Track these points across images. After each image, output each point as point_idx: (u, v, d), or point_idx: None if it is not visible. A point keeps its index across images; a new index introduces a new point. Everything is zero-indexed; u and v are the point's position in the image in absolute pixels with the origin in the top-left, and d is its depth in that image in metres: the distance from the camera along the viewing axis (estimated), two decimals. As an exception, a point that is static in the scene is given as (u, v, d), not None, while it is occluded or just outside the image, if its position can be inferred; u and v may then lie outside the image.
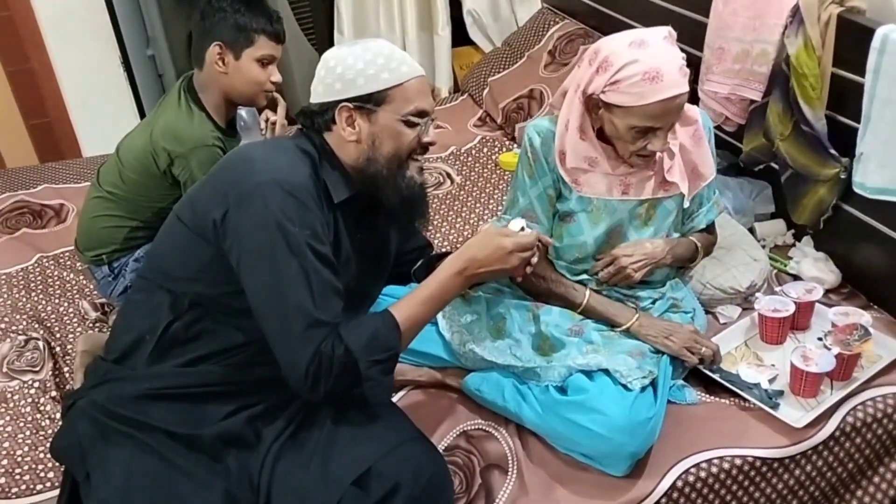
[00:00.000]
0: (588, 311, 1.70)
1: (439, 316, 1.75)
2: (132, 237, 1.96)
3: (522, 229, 1.45)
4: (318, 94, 1.38)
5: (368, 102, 1.34)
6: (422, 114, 1.37)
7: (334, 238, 1.38)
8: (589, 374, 1.56)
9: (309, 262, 1.25)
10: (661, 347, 1.63)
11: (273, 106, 2.13)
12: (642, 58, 1.47)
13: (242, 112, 2.75)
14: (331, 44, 3.57)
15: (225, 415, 1.37)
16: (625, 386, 1.51)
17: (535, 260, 1.46)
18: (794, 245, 2.15)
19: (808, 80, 1.86)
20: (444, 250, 1.95)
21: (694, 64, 2.37)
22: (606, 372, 1.54)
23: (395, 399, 1.74)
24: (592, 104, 1.57)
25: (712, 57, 2.22)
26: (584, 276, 1.73)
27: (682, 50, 1.56)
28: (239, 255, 1.26)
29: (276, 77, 1.89)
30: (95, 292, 2.17)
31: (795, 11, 1.90)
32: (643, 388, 1.52)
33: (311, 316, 1.24)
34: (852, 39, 1.80)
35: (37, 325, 2.05)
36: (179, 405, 1.36)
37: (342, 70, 1.34)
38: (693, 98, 2.34)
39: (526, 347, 1.69)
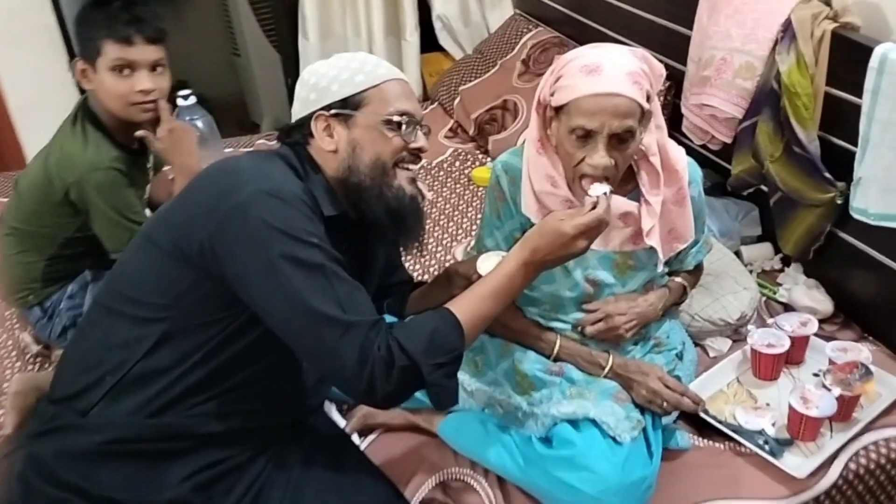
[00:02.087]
0: (558, 359, 1.58)
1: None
2: (51, 272, 1.79)
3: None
4: (296, 110, 1.31)
5: (345, 108, 1.26)
6: (404, 114, 1.26)
7: None
8: (575, 422, 1.44)
9: (326, 266, 1.14)
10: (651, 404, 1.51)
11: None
12: (588, 54, 1.34)
13: (198, 121, 2.59)
14: (294, 48, 3.42)
15: (182, 478, 1.22)
16: (614, 438, 1.39)
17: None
18: (782, 270, 2.06)
19: (801, 99, 1.77)
20: (420, 279, 1.82)
21: (676, 79, 2.29)
22: (593, 421, 1.42)
23: (363, 444, 1.61)
24: (547, 115, 1.44)
25: (694, 70, 2.12)
26: (558, 324, 1.60)
27: (662, 63, 1.44)
28: (240, 274, 1.14)
29: (144, 84, 1.65)
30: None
31: (787, 26, 1.81)
32: (634, 439, 1.40)
33: (341, 321, 1.12)
34: (847, 57, 1.72)
35: (-31, 361, 1.87)
36: (132, 465, 1.22)
37: (316, 80, 1.28)
38: (677, 117, 2.26)
39: (505, 387, 1.57)
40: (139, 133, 1.71)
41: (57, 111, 1.76)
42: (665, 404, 1.48)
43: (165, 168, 1.89)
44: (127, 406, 1.21)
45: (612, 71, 1.31)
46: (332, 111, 1.26)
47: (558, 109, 1.38)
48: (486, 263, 1.37)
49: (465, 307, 1.21)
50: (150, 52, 1.66)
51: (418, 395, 1.58)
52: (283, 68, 3.72)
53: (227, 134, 3.99)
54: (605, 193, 1.28)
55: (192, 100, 2.54)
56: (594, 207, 1.24)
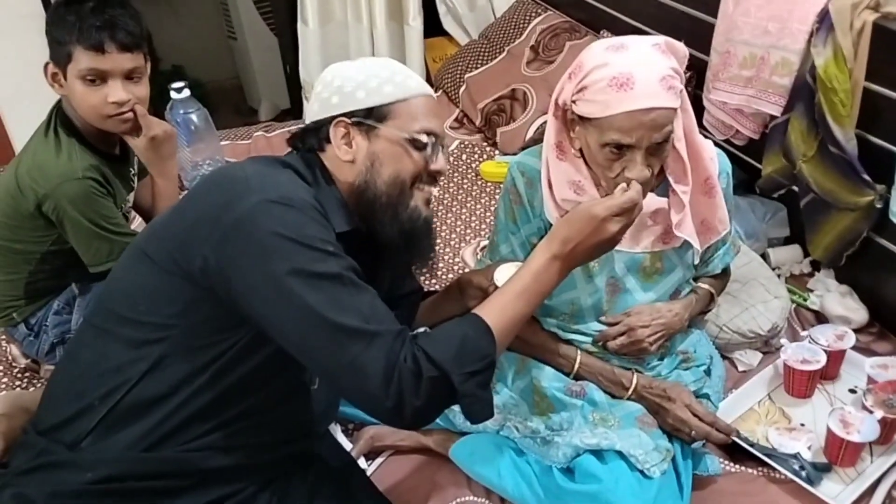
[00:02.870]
0: (579, 377, 1.49)
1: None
2: (34, 288, 1.68)
3: None
4: (314, 111, 1.22)
5: (369, 118, 1.17)
6: (430, 134, 1.18)
7: None
8: (598, 453, 1.33)
9: (343, 277, 1.04)
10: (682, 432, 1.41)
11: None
12: (613, 62, 1.22)
13: (192, 115, 2.47)
14: (293, 33, 3.29)
15: None
16: (642, 472, 1.29)
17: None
18: (812, 275, 1.95)
19: (838, 94, 1.64)
20: (428, 287, 1.71)
21: (698, 69, 2.16)
22: (619, 452, 1.32)
23: (371, 468, 1.51)
24: (568, 118, 1.33)
25: (719, 62, 1.99)
26: (578, 336, 1.50)
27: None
28: (250, 293, 1.04)
29: (118, 95, 1.51)
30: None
31: (823, 16, 1.68)
32: (663, 472, 1.30)
33: (365, 332, 1.01)
34: (889, 50, 1.60)
35: (-48, 375, 1.77)
36: None
37: (341, 83, 1.19)
38: (698, 111, 2.14)
39: (522, 407, 1.47)
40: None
41: (45, 102, 1.63)
42: (693, 433, 1.38)
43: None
44: (121, 438, 1.11)
45: (645, 83, 1.20)
46: (355, 119, 1.17)
47: (584, 118, 1.28)
48: (503, 274, 1.29)
49: (495, 310, 1.11)
50: (124, 61, 1.51)
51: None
52: (282, 54, 3.59)
53: (224, 119, 3.90)
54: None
55: (186, 93, 2.43)
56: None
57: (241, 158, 1.28)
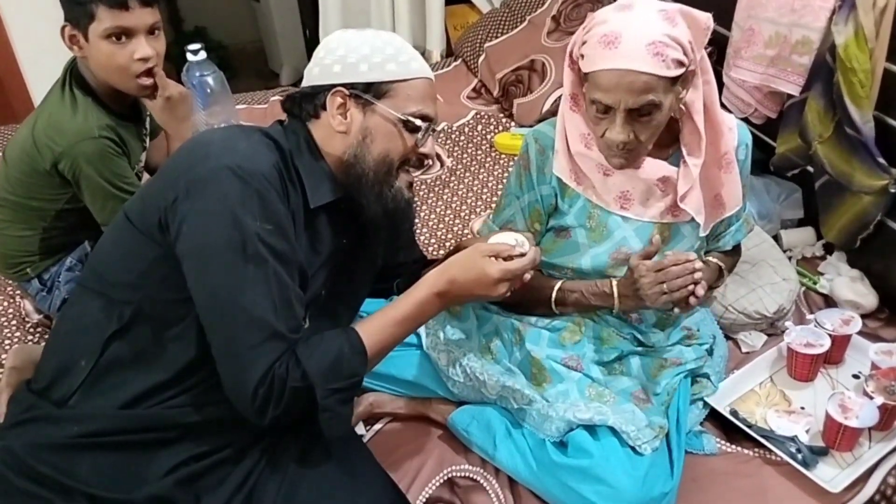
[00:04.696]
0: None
1: (423, 333, 1.53)
2: (48, 245, 1.70)
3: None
4: (313, 76, 1.21)
5: (367, 92, 1.17)
6: (424, 118, 1.18)
7: (310, 240, 1.19)
8: (592, 427, 1.34)
9: (270, 263, 1.07)
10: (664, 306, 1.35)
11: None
12: (612, 19, 1.23)
13: (208, 78, 2.47)
14: (314, 2, 3.26)
15: (166, 471, 1.15)
16: (634, 448, 1.29)
17: (527, 277, 1.24)
18: (824, 258, 1.92)
19: (857, 75, 1.61)
20: (434, 256, 1.72)
21: (720, 44, 2.12)
22: (612, 428, 1.32)
23: (369, 434, 1.53)
24: (579, 70, 1.33)
25: (741, 39, 1.95)
26: None
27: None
28: (185, 251, 1.08)
29: (144, 51, 1.52)
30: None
31: (847, -6, 1.64)
32: (655, 450, 1.30)
33: (269, 327, 1.06)
34: (912, 31, 1.55)
35: (-32, 329, 1.81)
36: (113, 458, 1.15)
37: (345, 52, 1.18)
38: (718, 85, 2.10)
39: (519, 377, 1.48)
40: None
41: (65, 60, 1.64)
42: (676, 285, 1.30)
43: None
44: (105, 396, 1.15)
45: (629, 43, 1.20)
46: (353, 91, 1.17)
47: (585, 75, 1.29)
48: (505, 237, 1.27)
49: (374, 332, 1.15)
50: (147, 16, 1.52)
51: (429, 384, 1.53)
52: (302, 18, 3.57)
53: (246, 83, 3.90)
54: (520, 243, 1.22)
55: (202, 55, 2.42)
56: (522, 255, 1.19)
57: (258, 123, 1.28)
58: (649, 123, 1.27)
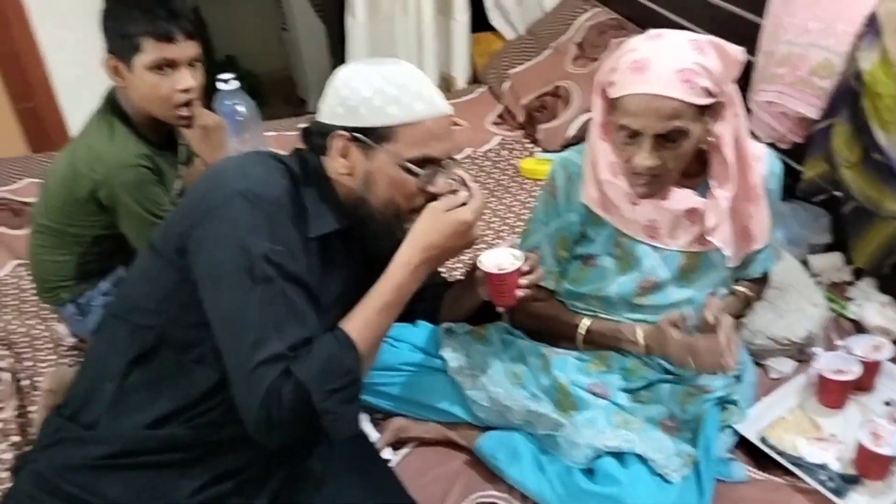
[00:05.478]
0: (588, 342, 1.51)
1: (448, 356, 1.53)
2: (84, 269, 1.75)
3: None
4: (322, 112, 1.22)
5: (368, 137, 1.17)
6: (428, 161, 1.17)
7: (324, 265, 1.20)
8: (619, 455, 1.34)
9: (277, 283, 1.08)
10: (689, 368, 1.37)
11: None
12: (642, 47, 1.26)
13: (239, 106, 2.52)
14: (341, 26, 3.32)
15: (191, 491, 1.18)
16: (662, 476, 1.29)
17: (535, 276, 1.28)
18: (853, 283, 1.90)
19: (884, 100, 1.61)
20: (456, 278, 1.73)
21: (745, 71, 2.12)
22: (640, 454, 1.32)
23: (395, 459, 1.54)
24: (608, 98, 1.35)
25: (764, 63, 1.96)
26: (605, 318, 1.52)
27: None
28: (199, 275, 1.11)
29: (185, 83, 1.58)
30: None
31: (872, 19, 1.64)
32: (684, 477, 1.30)
33: (269, 349, 1.06)
34: (939, 55, 1.54)
35: (5, 352, 1.84)
36: (139, 478, 1.17)
37: (347, 93, 1.17)
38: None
39: (545, 404, 1.48)
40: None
41: (100, 90, 1.70)
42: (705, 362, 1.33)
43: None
44: (130, 417, 1.17)
45: (658, 70, 1.22)
46: (354, 136, 1.17)
47: (613, 101, 1.31)
48: (488, 258, 1.31)
49: (358, 324, 1.14)
50: (189, 49, 1.58)
51: (455, 409, 1.53)
52: (330, 46, 3.63)
53: (274, 109, 3.97)
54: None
55: (234, 84, 2.48)
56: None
57: (287, 149, 1.32)
58: (676, 151, 1.28)
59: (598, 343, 1.50)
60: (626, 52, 1.28)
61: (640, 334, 1.44)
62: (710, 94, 1.24)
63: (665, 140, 1.26)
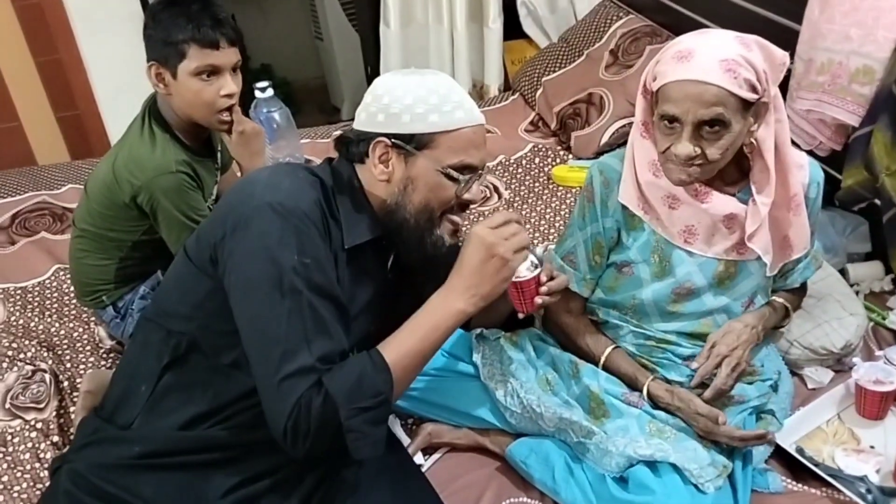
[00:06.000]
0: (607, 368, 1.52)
1: (480, 362, 1.53)
2: (123, 274, 1.79)
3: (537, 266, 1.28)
4: (361, 121, 1.24)
5: (409, 143, 1.20)
6: (466, 168, 1.20)
7: (354, 275, 1.22)
8: (652, 464, 1.33)
9: (304, 295, 1.10)
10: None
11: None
12: (686, 40, 1.27)
13: (275, 114, 2.56)
14: (376, 35, 3.35)
15: (224, 491, 1.19)
16: (696, 486, 1.27)
17: (556, 284, 1.29)
18: (893, 293, 1.87)
19: (925, 106, 1.58)
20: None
21: (784, 78, 2.10)
22: (673, 464, 1.31)
23: (427, 464, 1.54)
24: (652, 98, 1.35)
25: (802, 70, 1.93)
26: (637, 340, 1.52)
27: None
28: (230, 285, 1.13)
29: (229, 88, 1.61)
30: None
31: (913, 24, 1.62)
32: (718, 488, 1.28)
33: (298, 361, 1.07)
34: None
35: (46, 353, 1.89)
36: (173, 477, 1.20)
37: (389, 101, 1.20)
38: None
39: (577, 411, 1.47)
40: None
41: (140, 98, 1.74)
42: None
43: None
44: (164, 419, 1.20)
45: (702, 58, 1.23)
46: (395, 142, 1.20)
47: (656, 95, 1.31)
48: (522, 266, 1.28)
49: (396, 348, 1.14)
50: (232, 55, 1.62)
51: (487, 415, 1.53)
52: (363, 55, 3.67)
53: (308, 117, 4.01)
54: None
55: (270, 92, 2.51)
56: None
57: (321, 156, 1.34)
58: (716, 141, 1.26)
59: (616, 375, 1.51)
60: (672, 45, 1.29)
61: (647, 386, 1.45)
62: (752, 88, 1.23)
63: (706, 128, 1.25)
